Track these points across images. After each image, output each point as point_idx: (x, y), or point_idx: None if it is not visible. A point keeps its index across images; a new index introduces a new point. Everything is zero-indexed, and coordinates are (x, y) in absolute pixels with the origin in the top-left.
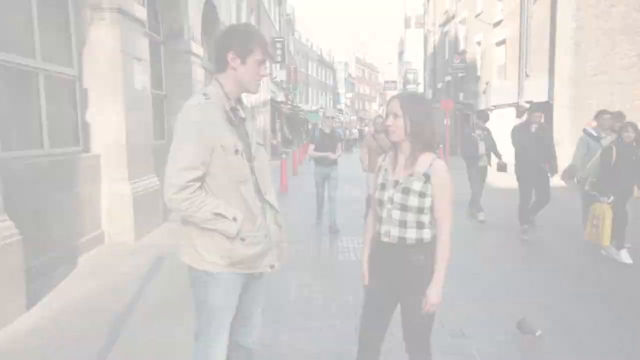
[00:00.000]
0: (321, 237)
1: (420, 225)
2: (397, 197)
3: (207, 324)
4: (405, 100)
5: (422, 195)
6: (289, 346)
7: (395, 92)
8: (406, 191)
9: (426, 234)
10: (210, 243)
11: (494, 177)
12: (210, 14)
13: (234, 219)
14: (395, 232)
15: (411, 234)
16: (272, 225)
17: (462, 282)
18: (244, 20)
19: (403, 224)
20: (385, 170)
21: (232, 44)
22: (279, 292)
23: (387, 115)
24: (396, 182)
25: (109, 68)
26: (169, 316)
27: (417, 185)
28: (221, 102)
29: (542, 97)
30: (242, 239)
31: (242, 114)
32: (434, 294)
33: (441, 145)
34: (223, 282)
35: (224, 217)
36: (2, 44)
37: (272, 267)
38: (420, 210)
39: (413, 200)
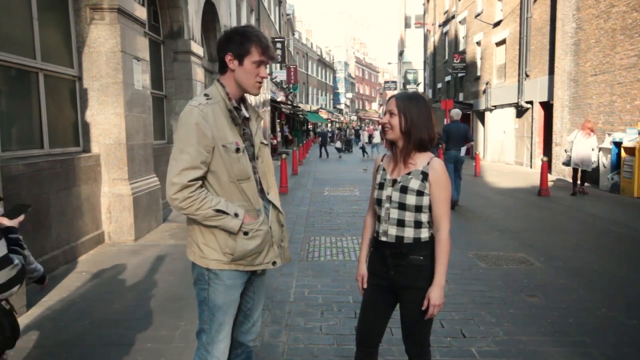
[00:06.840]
0: (322, 237)
1: (418, 225)
2: (396, 195)
3: (209, 322)
4: (401, 99)
5: (419, 193)
6: (289, 346)
7: (395, 92)
8: (404, 190)
9: (424, 233)
10: (212, 240)
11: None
12: (210, 13)
13: (236, 215)
14: (393, 231)
15: (409, 233)
16: (274, 224)
17: (462, 282)
18: (244, 20)
19: (401, 223)
20: (384, 169)
21: (230, 45)
22: (279, 292)
23: (384, 114)
24: (394, 181)
25: (109, 68)
26: (169, 316)
27: (414, 184)
28: (223, 102)
29: (542, 97)
30: (245, 233)
31: (245, 113)
32: (436, 296)
33: (441, 145)
34: (225, 279)
35: (225, 213)
36: (2, 44)
37: (274, 263)
38: (418, 209)
39: (411, 199)
